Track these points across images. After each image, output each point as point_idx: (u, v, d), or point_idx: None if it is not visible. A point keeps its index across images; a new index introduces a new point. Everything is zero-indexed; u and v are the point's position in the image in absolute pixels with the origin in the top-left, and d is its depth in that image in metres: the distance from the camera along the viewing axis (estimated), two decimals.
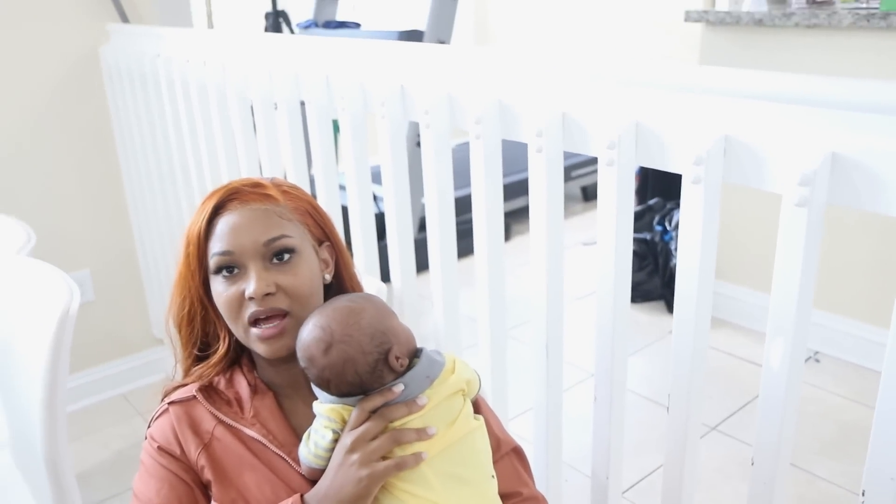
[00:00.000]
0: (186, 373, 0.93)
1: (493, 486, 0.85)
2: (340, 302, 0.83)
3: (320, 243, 0.92)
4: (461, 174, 1.24)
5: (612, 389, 1.05)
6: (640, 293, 2.88)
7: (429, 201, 1.23)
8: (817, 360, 2.49)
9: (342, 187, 1.46)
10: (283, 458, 0.85)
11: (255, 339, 0.84)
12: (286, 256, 0.86)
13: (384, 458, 0.78)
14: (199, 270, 0.88)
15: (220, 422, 0.87)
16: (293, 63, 1.47)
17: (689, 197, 0.87)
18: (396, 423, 0.79)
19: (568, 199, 4.30)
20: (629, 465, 2.03)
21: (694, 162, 0.85)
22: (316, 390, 0.83)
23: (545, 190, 1.04)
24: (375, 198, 3.07)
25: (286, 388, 0.90)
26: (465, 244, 1.28)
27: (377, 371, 0.80)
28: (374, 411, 0.79)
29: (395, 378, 0.80)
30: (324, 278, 0.91)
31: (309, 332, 0.81)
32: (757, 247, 2.50)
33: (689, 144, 0.86)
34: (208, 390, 0.90)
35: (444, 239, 1.25)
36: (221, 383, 0.91)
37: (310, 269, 0.88)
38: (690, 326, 0.93)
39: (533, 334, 1.14)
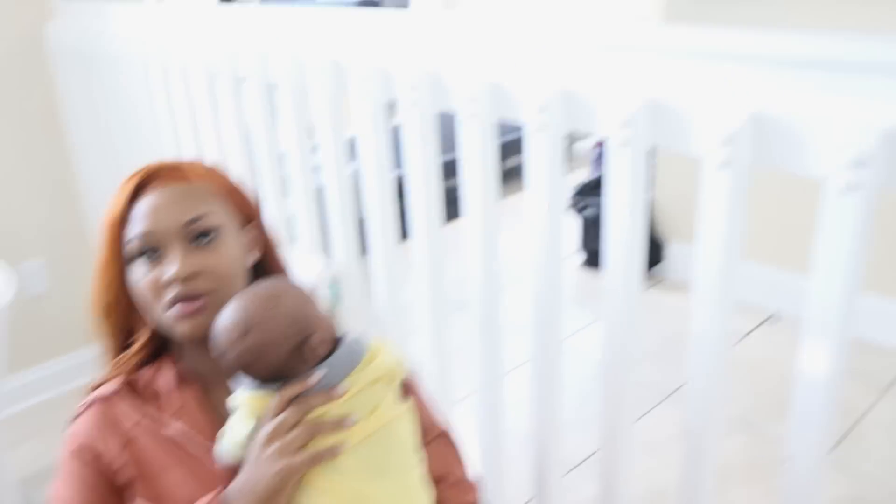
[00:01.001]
0: (113, 368, 0.91)
1: (416, 474, 0.84)
2: (260, 287, 0.82)
3: (244, 225, 0.91)
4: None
5: (548, 367, 1.05)
6: None
7: (367, 178, 1.21)
8: (777, 320, 2.51)
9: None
10: (208, 451, 0.83)
11: (174, 319, 0.83)
12: (208, 237, 0.84)
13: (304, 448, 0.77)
14: (118, 257, 0.86)
15: (144, 416, 0.85)
16: (232, 37, 1.44)
17: (617, 162, 0.87)
18: (317, 413, 0.78)
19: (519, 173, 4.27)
20: (591, 437, 2.03)
21: (620, 125, 0.84)
22: (235, 381, 0.82)
23: (479, 159, 1.03)
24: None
25: (212, 376, 0.88)
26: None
27: (296, 357, 0.79)
28: (291, 401, 0.78)
29: (315, 366, 0.79)
30: (248, 260, 0.90)
31: (227, 317, 0.80)
32: None
33: (615, 108, 0.85)
34: (134, 385, 0.88)
35: (385, 219, 1.24)
36: (148, 375, 0.89)
37: (233, 250, 0.87)
38: (620, 291, 0.93)
39: (471, 315, 1.13)
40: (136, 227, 0.84)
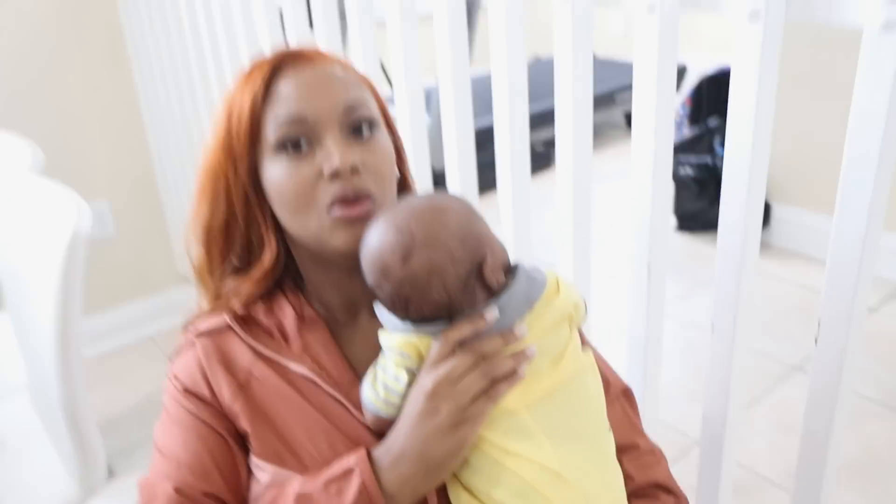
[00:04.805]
0: (215, 299, 0.82)
1: (610, 441, 0.74)
2: (416, 199, 0.72)
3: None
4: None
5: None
6: (701, 223, 2.85)
7: (498, 110, 1.15)
8: None
9: None
10: (339, 400, 0.74)
11: (336, 225, 0.73)
12: (366, 131, 0.75)
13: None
14: (247, 153, 0.75)
15: (260, 356, 0.77)
16: None
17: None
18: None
19: (610, 126, 4.23)
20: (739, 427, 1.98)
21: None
22: (382, 316, 0.72)
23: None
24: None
25: (342, 311, 0.80)
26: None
27: (468, 287, 0.68)
28: (460, 344, 0.68)
29: (488, 300, 0.69)
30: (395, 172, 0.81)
31: (382, 236, 0.68)
32: (821, 169, 2.43)
33: None
34: (244, 320, 0.79)
35: (517, 153, 1.17)
36: (260, 312, 0.80)
37: (390, 151, 0.78)
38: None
39: (633, 252, 1.05)
40: (284, 110, 0.73)
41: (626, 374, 1.09)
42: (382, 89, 1.35)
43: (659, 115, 0.93)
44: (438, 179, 1.32)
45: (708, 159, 2.85)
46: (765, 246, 2.88)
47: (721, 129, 2.92)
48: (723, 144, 2.88)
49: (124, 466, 1.99)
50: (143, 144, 2.52)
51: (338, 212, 0.72)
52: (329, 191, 0.72)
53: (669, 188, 0.98)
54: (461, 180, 1.27)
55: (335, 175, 0.72)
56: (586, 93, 1.03)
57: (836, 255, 0.81)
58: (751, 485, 1.76)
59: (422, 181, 1.32)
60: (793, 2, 0.77)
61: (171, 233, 2.64)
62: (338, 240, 0.73)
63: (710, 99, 3.03)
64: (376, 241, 0.69)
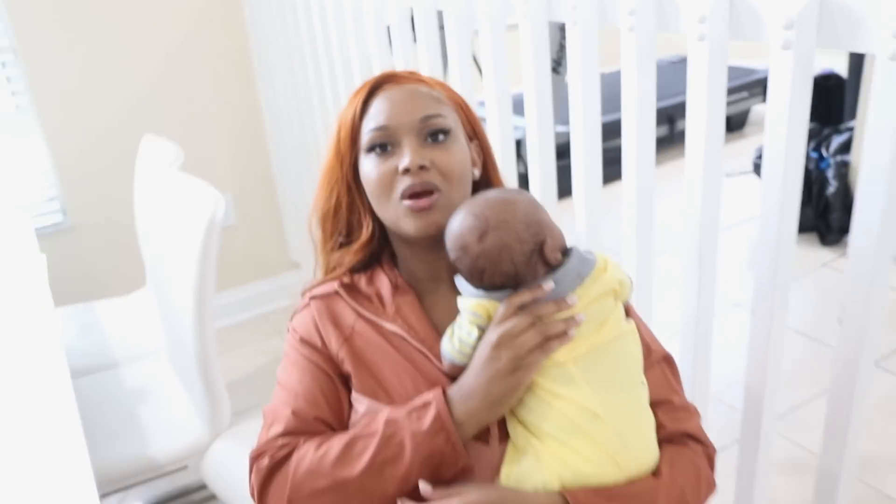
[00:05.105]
0: (327, 271, 1.01)
1: (644, 394, 0.88)
2: (491, 193, 0.89)
3: (470, 139, 0.99)
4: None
5: (773, 320, 1.09)
6: None
7: (574, 115, 1.27)
8: None
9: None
10: (423, 353, 0.91)
11: (406, 213, 0.90)
12: (441, 137, 0.92)
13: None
14: (349, 154, 0.95)
15: (361, 316, 0.94)
16: None
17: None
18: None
19: None
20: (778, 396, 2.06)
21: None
22: (460, 285, 0.88)
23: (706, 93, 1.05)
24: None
25: (427, 282, 0.97)
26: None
27: (531, 262, 0.84)
28: (521, 307, 0.83)
29: (547, 273, 0.84)
30: (472, 173, 0.97)
31: (462, 220, 0.85)
32: None
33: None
34: (349, 288, 0.97)
35: (590, 161, 1.30)
36: (362, 282, 0.98)
37: (463, 155, 0.94)
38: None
39: (686, 247, 1.16)
40: (373, 121, 0.93)
41: (680, 350, 1.22)
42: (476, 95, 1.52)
43: (709, 128, 1.07)
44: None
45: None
46: None
47: (815, 134, 2.92)
48: (816, 149, 2.92)
49: None
50: (263, 145, 2.79)
51: (406, 203, 0.89)
52: (402, 183, 0.90)
53: (718, 188, 1.11)
54: (542, 183, 1.41)
55: (406, 171, 0.89)
56: (650, 108, 1.18)
57: (855, 246, 0.93)
58: (813, 466, 1.83)
59: (509, 180, 1.42)
60: (822, 31, 0.88)
61: (285, 225, 2.89)
62: (408, 225, 0.90)
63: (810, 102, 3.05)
64: (458, 224, 0.86)
